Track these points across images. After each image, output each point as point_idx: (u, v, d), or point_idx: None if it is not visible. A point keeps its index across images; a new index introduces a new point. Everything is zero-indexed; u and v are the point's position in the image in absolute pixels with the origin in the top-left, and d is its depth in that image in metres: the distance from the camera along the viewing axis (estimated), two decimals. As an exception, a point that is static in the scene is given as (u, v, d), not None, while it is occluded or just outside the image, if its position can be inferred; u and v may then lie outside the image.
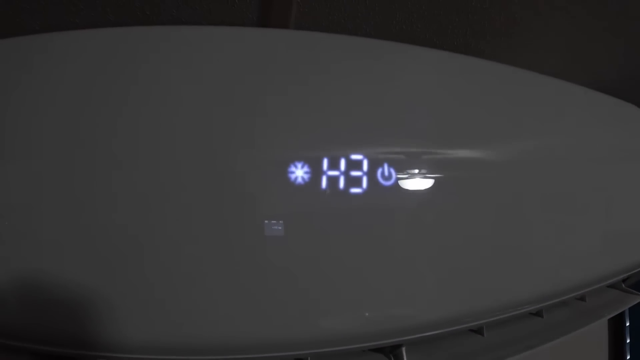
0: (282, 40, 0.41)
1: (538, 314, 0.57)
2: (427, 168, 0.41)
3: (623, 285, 0.69)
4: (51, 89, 0.38)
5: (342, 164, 0.37)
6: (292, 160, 0.35)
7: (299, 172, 0.36)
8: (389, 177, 0.38)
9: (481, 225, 0.44)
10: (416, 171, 0.40)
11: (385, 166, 0.38)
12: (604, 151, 0.62)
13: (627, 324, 0.91)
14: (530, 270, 0.48)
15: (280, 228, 0.35)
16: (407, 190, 0.39)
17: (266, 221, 0.35)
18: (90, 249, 0.35)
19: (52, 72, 0.38)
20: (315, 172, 0.36)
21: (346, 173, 0.37)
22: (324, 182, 0.36)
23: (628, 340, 0.91)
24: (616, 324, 0.93)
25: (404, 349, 0.44)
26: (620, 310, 0.62)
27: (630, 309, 0.92)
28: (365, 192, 0.37)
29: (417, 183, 0.40)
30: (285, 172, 0.35)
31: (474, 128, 0.46)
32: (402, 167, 0.39)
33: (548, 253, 0.50)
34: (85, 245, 0.35)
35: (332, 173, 0.36)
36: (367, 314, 0.38)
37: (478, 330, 0.51)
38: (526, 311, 0.51)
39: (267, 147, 0.36)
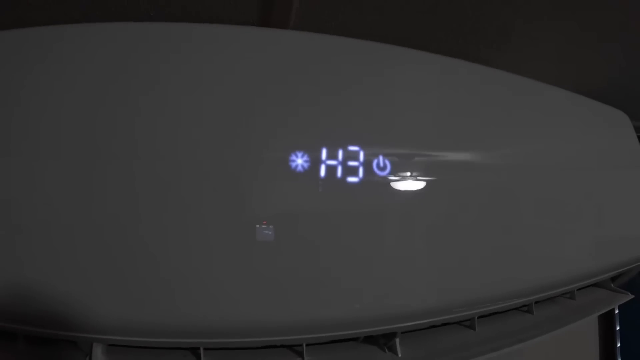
0: (284, 40, 0.44)
1: (528, 310, 0.59)
2: (421, 161, 0.44)
3: (612, 284, 0.72)
4: (53, 82, 0.39)
5: (340, 154, 0.39)
6: (293, 149, 0.38)
7: (299, 161, 0.38)
8: (384, 168, 0.40)
9: (474, 219, 0.47)
10: (410, 163, 0.43)
11: (381, 157, 0.41)
12: (591, 154, 0.66)
13: (617, 328, 0.94)
14: (521, 261, 0.50)
15: (279, 215, 0.38)
16: (401, 180, 0.42)
17: (266, 208, 0.37)
18: (94, 248, 0.37)
19: (54, 65, 0.40)
20: (315, 161, 0.38)
21: (343, 163, 0.39)
22: (322, 171, 0.38)
23: (619, 345, 0.93)
24: (607, 327, 0.95)
25: (397, 340, 0.46)
26: (608, 308, 0.65)
27: (620, 313, 0.95)
28: (362, 181, 0.39)
29: (412, 174, 0.42)
30: (286, 161, 0.38)
31: (465, 127, 0.49)
32: (397, 158, 0.42)
33: (539, 247, 0.53)
34: (87, 240, 0.37)
35: (331, 162, 0.39)
36: (361, 300, 0.40)
37: (470, 326, 0.53)
38: (516, 303, 0.53)
39: (269, 139, 0.39)
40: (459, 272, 0.45)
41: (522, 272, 0.50)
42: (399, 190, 0.42)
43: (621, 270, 0.66)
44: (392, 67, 0.47)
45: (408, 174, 0.42)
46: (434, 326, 0.52)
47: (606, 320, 0.95)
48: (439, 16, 0.61)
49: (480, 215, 0.47)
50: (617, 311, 0.94)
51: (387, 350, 0.46)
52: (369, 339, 0.48)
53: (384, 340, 0.47)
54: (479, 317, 0.53)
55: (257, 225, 0.37)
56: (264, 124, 0.39)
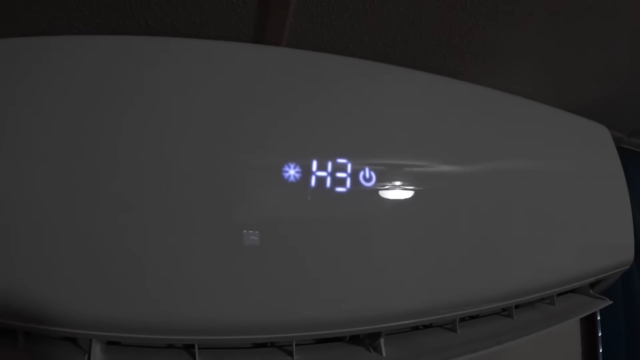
0: (277, 56, 0.48)
1: (508, 315, 0.63)
2: (406, 172, 0.48)
3: (591, 291, 0.76)
4: (49, 91, 0.42)
5: (329, 166, 0.44)
6: (286, 161, 0.42)
7: (292, 172, 0.42)
8: (370, 179, 0.45)
9: (456, 226, 0.51)
10: (395, 174, 0.47)
11: (367, 169, 0.45)
12: (571, 165, 0.70)
13: (600, 334, 0.99)
14: (501, 266, 0.55)
15: (272, 220, 0.42)
16: (386, 190, 0.46)
17: (260, 214, 0.42)
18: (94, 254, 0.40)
19: (52, 74, 0.43)
20: (306, 172, 0.43)
21: (332, 174, 0.43)
22: (313, 181, 0.42)
23: (600, 350, 0.98)
24: (589, 333, 1.00)
25: (382, 341, 0.50)
26: (587, 313, 0.69)
27: (602, 320, 1.00)
28: (349, 191, 0.44)
29: (396, 184, 0.47)
30: (280, 172, 0.42)
31: (447, 141, 0.54)
32: (382, 170, 0.46)
33: (520, 253, 0.57)
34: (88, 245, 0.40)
35: (320, 174, 0.43)
36: (348, 301, 0.44)
37: (451, 328, 0.57)
38: (497, 307, 0.57)
39: (265, 150, 0.43)
40: (441, 275, 0.49)
41: (503, 276, 0.54)
42: (384, 199, 0.46)
43: (599, 277, 0.71)
44: (379, 84, 0.51)
45: (392, 184, 0.46)
46: (417, 328, 0.56)
47: (588, 326, 1.00)
48: (425, 33, 0.66)
49: (462, 222, 0.52)
50: (599, 317, 0.99)
51: (372, 351, 0.50)
52: (355, 340, 0.52)
53: (369, 341, 0.51)
54: (461, 320, 0.58)
55: (252, 229, 0.41)
56: (259, 138, 0.43)
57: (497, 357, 0.86)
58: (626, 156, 1.11)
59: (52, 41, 0.48)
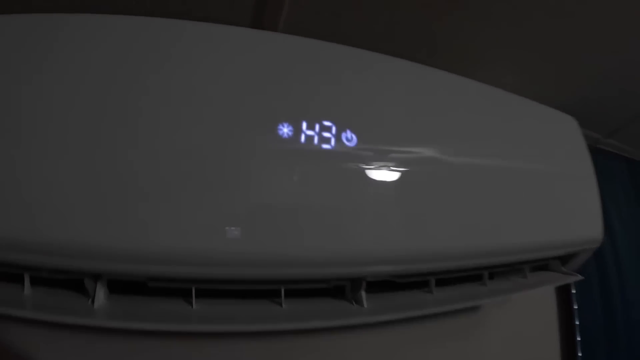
0: (273, 40, 0.57)
1: (483, 284, 0.70)
2: (383, 135, 0.57)
3: (562, 268, 0.83)
4: (47, 68, 0.47)
5: (317, 127, 0.52)
6: (281, 121, 0.51)
7: (285, 130, 0.51)
8: (351, 140, 0.53)
9: (425, 185, 0.59)
10: (374, 137, 0.56)
11: (349, 131, 0.53)
12: (538, 150, 0.78)
13: (577, 323, 1.05)
14: (471, 225, 0.62)
15: (267, 168, 0.50)
16: (365, 149, 0.54)
17: (256, 161, 0.50)
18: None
19: (50, 52, 0.48)
20: (297, 131, 0.51)
21: (319, 134, 0.52)
22: (302, 138, 0.51)
23: (579, 338, 1.05)
24: (567, 323, 1.07)
25: (363, 293, 0.56)
26: (558, 284, 0.75)
27: (579, 309, 1.07)
28: (333, 149, 0.52)
29: (375, 145, 0.56)
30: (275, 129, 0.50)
31: (419, 116, 0.62)
32: (363, 132, 0.55)
33: (489, 217, 0.64)
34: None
35: (309, 133, 0.51)
36: (330, 242, 0.51)
37: (428, 291, 0.64)
38: (470, 263, 0.63)
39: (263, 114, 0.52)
40: (416, 225, 0.56)
41: (473, 233, 0.61)
42: (363, 155, 0.54)
43: (569, 250, 0.78)
44: (361, 67, 0.60)
45: (372, 144, 0.55)
46: (395, 288, 0.62)
47: (565, 315, 1.07)
48: (412, 30, 0.75)
49: (429, 185, 0.59)
50: (575, 306, 1.06)
51: (354, 303, 0.57)
52: (340, 295, 0.58)
53: (352, 295, 0.57)
54: (437, 285, 0.64)
55: (248, 173, 0.48)
56: (256, 105, 0.52)
57: (476, 336, 0.92)
58: (602, 157, 1.19)
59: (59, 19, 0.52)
